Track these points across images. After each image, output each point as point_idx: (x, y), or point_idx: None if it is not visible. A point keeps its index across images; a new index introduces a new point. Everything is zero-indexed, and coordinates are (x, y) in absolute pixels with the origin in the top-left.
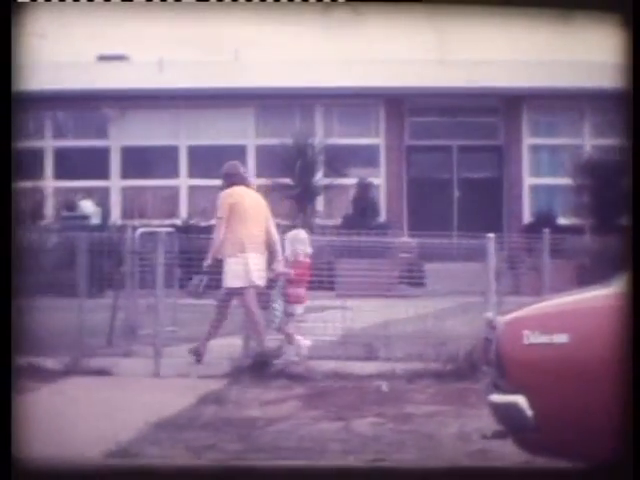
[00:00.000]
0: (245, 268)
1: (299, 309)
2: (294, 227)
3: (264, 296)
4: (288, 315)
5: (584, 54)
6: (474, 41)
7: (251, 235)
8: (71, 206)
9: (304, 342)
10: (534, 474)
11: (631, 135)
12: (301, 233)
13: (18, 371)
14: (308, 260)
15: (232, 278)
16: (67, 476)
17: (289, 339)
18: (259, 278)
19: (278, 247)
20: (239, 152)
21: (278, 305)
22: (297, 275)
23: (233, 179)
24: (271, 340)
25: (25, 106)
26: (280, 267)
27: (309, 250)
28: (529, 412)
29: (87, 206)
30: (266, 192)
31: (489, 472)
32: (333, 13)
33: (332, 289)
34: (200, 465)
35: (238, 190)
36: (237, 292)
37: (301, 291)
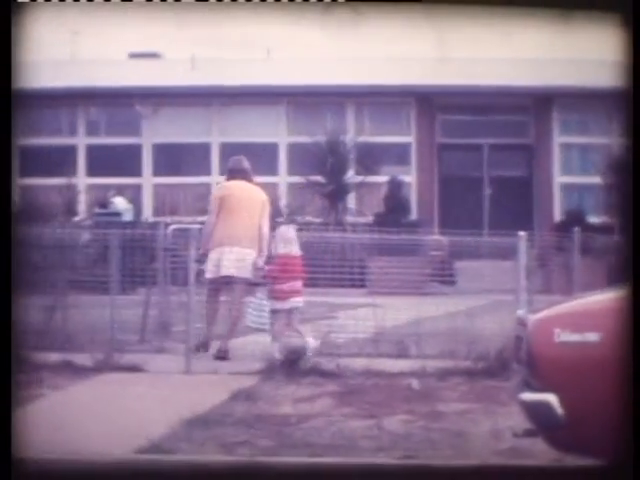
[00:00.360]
0: (219, 260)
1: (284, 305)
2: (289, 223)
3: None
4: (273, 312)
5: (584, 54)
6: (474, 41)
7: (234, 228)
8: (104, 203)
9: (313, 343)
10: (534, 474)
11: (631, 134)
12: (289, 231)
13: (52, 367)
14: (295, 257)
15: (207, 270)
16: (72, 476)
17: (275, 336)
18: (233, 270)
19: (264, 243)
20: (271, 149)
21: (254, 304)
22: (279, 272)
23: (234, 174)
24: (295, 338)
25: (44, 103)
26: (259, 263)
27: (294, 249)
28: (560, 410)
29: (119, 203)
30: (299, 190)
31: (487, 472)
32: (364, 12)
33: (364, 287)
34: (202, 462)
35: (230, 184)
36: (218, 284)
37: (286, 287)
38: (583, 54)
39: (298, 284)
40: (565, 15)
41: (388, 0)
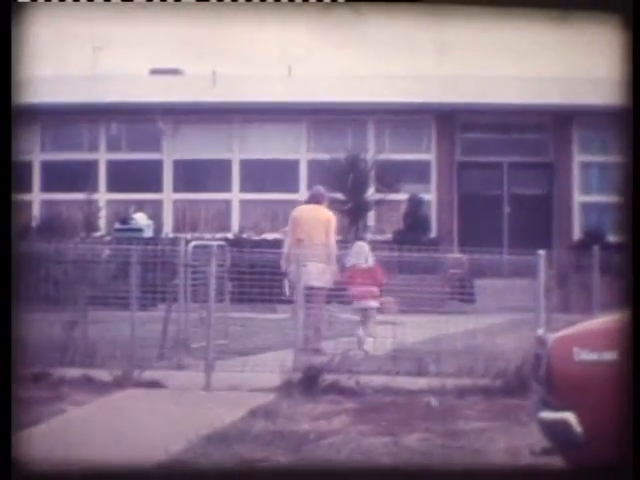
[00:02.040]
0: (299, 274)
1: (369, 302)
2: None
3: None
4: (359, 311)
5: (584, 54)
6: (474, 41)
7: (305, 245)
8: (124, 219)
9: (370, 344)
10: (534, 474)
11: (631, 135)
12: (359, 246)
13: (72, 383)
14: (368, 267)
15: (289, 281)
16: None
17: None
18: (317, 280)
19: (332, 258)
20: (291, 166)
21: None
22: (354, 280)
23: (310, 199)
24: (322, 354)
25: (65, 118)
26: (328, 274)
27: (365, 260)
28: (578, 429)
29: (140, 219)
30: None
31: (486, 473)
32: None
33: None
34: (204, 468)
35: (301, 207)
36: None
37: (363, 291)
38: (583, 54)
39: (371, 290)
40: (565, 15)
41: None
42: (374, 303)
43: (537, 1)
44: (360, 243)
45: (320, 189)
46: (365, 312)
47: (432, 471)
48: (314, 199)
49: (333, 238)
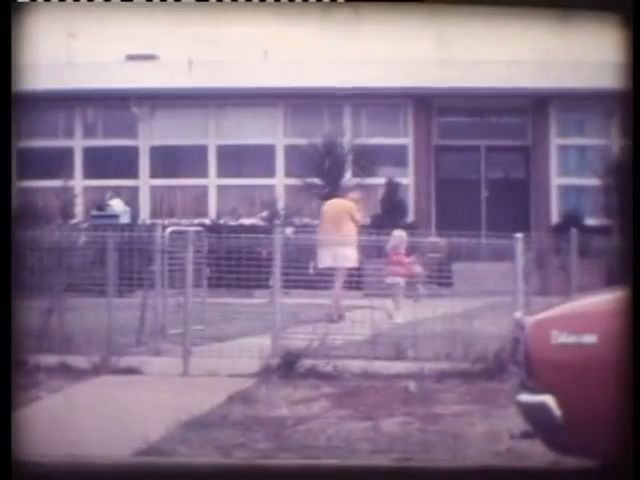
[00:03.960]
0: (322, 255)
1: (397, 280)
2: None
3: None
4: (389, 286)
5: (584, 54)
6: (473, 41)
7: (328, 232)
8: (100, 205)
9: (396, 314)
10: (534, 474)
11: (631, 134)
12: (396, 233)
13: (49, 370)
14: (402, 251)
15: (318, 262)
16: (70, 476)
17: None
18: (334, 262)
19: (353, 242)
20: (268, 152)
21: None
22: (390, 260)
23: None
24: (300, 339)
25: (41, 105)
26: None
27: (398, 245)
28: (557, 412)
29: (116, 205)
30: (296, 192)
31: (486, 473)
32: (362, 12)
33: (360, 289)
34: (202, 464)
35: (329, 201)
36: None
37: (395, 270)
38: (583, 54)
39: (400, 269)
40: (565, 15)
41: (387, 0)
42: (400, 280)
43: (537, 1)
44: (397, 232)
45: (350, 184)
46: (395, 288)
47: (435, 471)
48: (339, 193)
49: (355, 225)
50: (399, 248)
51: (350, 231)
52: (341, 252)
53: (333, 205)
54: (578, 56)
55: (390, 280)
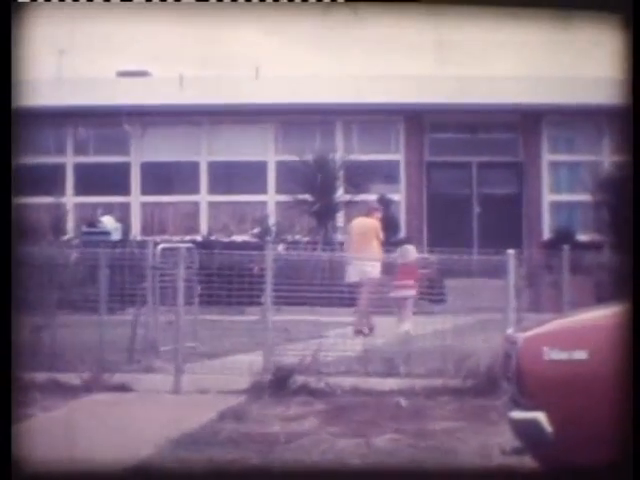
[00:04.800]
0: (350, 271)
1: (407, 293)
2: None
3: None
4: (400, 298)
5: (584, 54)
6: (473, 41)
7: (356, 249)
8: (92, 222)
9: (408, 325)
10: (531, 475)
11: (631, 139)
12: (405, 249)
13: (40, 387)
14: (411, 265)
15: (346, 277)
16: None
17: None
18: (362, 275)
19: (379, 257)
20: (259, 168)
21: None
22: (401, 274)
23: (362, 213)
24: (292, 355)
25: (40, 120)
26: (373, 271)
27: (407, 259)
28: (548, 428)
29: (108, 222)
30: (287, 208)
31: (486, 473)
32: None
33: (353, 305)
34: (205, 470)
35: (356, 220)
36: (354, 285)
37: (406, 283)
38: (582, 54)
39: (408, 283)
40: (564, 16)
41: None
42: (411, 293)
43: (537, 1)
44: (407, 246)
45: (373, 204)
46: (404, 300)
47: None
48: (365, 213)
49: (379, 242)
50: (410, 262)
51: (375, 248)
52: (368, 268)
53: (360, 224)
54: (576, 65)
55: (401, 293)
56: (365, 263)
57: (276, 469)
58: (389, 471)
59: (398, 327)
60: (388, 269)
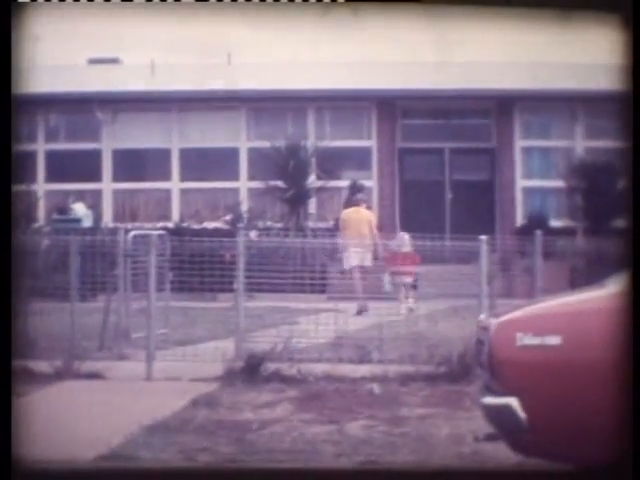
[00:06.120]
0: (348, 257)
1: (406, 279)
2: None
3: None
4: (397, 284)
5: (583, 54)
6: (473, 41)
7: (353, 237)
8: (63, 209)
9: (411, 303)
10: (531, 475)
11: (631, 135)
12: (401, 236)
13: (13, 374)
14: (407, 252)
15: (343, 264)
16: (65, 477)
17: (400, 299)
18: (359, 262)
19: (375, 245)
20: (231, 155)
21: (386, 279)
22: (398, 260)
23: (350, 203)
24: (264, 342)
25: (22, 108)
26: (368, 257)
27: (403, 247)
28: (522, 414)
29: (79, 209)
30: (259, 195)
31: (486, 474)
32: (330, 14)
33: (324, 292)
34: (195, 467)
35: (347, 211)
36: (350, 271)
37: (404, 269)
38: (581, 54)
39: (408, 268)
40: (564, 16)
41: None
42: (410, 279)
43: (537, 1)
44: (402, 234)
45: (358, 196)
46: (404, 285)
47: (399, 473)
48: (354, 203)
49: (375, 231)
50: (405, 249)
51: (369, 236)
52: (364, 254)
53: (354, 213)
54: (574, 55)
55: (402, 277)
56: (361, 250)
57: (248, 456)
58: (363, 457)
59: (401, 306)
60: (386, 255)
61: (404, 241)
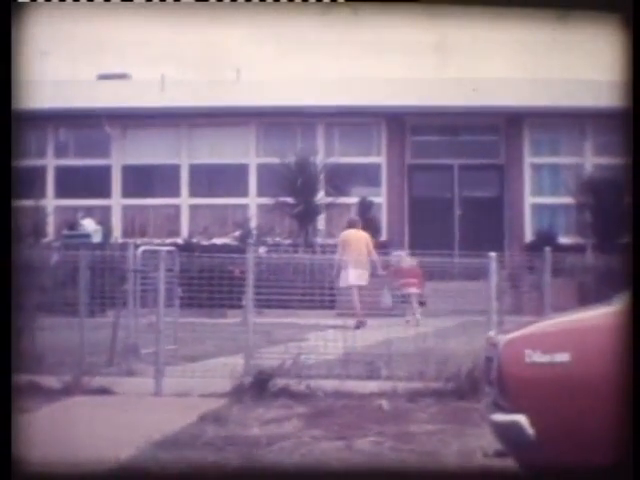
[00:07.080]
0: (346, 276)
1: (411, 290)
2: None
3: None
4: (404, 296)
5: (583, 54)
6: (472, 42)
7: (352, 257)
8: (72, 225)
9: (417, 314)
10: (534, 475)
11: (631, 133)
12: (397, 254)
13: (20, 389)
14: (409, 266)
15: (341, 282)
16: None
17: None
18: (358, 281)
19: (376, 263)
20: (240, 171)
21: (386, 292)
22: (401, 274)
23: (350, 225)
24: (273, 358)
25: (27, 117)
26: (365, 276)
27: (402, 262)
28: (530, 431)
29: (88, 224)
30: (268, 211)
31: (487, 472)
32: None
33: (332, 308)
34: (200, 472)
35: (346, 232)
36: (347, 289)
37: (408, 282)
38: (581, 55)
39: (413, 281)
40: (564, 16)
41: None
42: (415, 290)
43: (537, 1)
44: (398, 252)
45: (355, 218)
46: (410, 297)
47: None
48: (352, 225)
49: (373, 250)
50: (411, 264)
51: (365, 256)
52: (361, 273)
53: (354, 235)
54: (575, 65)
55: (408, 290)
56: (358, 269)
57: (257, 472)
58: (371, 473)
59: (408, 317)
60: (391, 269)
61: (402, 258)
